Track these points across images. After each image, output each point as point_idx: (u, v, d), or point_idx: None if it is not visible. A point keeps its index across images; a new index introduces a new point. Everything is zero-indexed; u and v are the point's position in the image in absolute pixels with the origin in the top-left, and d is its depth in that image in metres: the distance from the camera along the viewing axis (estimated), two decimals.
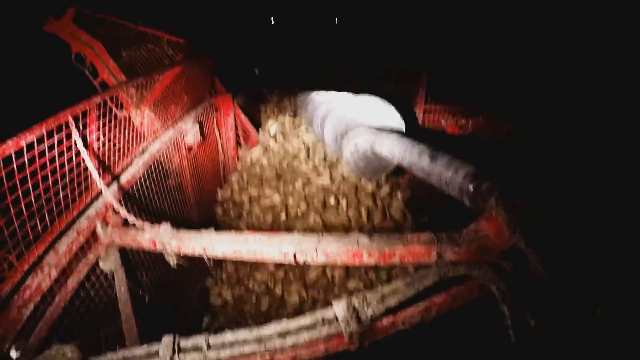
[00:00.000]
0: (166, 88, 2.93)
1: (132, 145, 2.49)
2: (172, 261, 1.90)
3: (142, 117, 2.63)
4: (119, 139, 2.28)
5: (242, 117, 4.74)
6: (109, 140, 2.16)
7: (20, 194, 1.50)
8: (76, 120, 1.81)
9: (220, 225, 3.74)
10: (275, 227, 3.20)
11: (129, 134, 2.40)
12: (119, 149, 2.31)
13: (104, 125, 2.08)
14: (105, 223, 2.05)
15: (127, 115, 2.43)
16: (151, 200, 2.71)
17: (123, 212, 1.94)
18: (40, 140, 1.57)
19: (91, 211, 1.97)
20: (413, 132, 3.43)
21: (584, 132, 4.15)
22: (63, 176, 1.75)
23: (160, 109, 2.94)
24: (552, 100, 4.90)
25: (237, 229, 3.35)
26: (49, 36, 3.38)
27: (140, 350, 1.31)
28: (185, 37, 3.85)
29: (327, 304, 2.09)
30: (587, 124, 4.27)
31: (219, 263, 3.36)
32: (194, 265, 3.31)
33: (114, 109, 2.10)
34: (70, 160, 1.79)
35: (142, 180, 2.58)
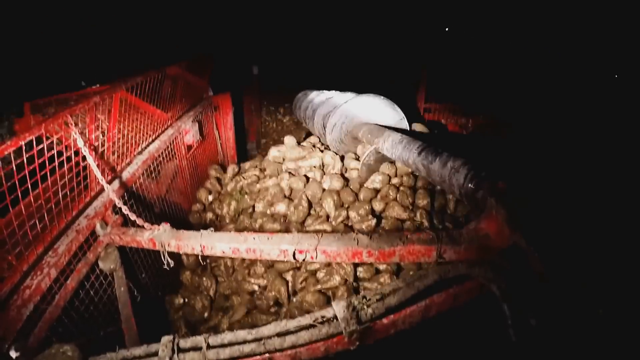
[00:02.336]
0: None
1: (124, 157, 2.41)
2: (169, 262, 1.90)
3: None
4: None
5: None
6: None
7: (20, 193, 1.49)
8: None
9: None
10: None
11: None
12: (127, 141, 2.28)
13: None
14: (104, 222, 2.05)
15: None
16: (150, 200, 2.71)
17: (124, 208, 1.94)
18: (39, 140, 1.56)
19: (90, 211, 1.97)
20: (416, 131, 3.43)
21: (584, 131, 4.14)
22: (62, 176, 1.75)
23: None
24: (553, 100, 4.89)
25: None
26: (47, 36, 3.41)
27: (140, 350, 1.31)
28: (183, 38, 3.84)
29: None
30: (587, 123, 4.27)
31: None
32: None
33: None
34: (69, 160, 1.79)
35: (142, 179, 2.58)
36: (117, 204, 1.94)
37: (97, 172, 1.88)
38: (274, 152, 3.45)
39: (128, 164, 2.42)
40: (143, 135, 2.65)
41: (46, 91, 3.80)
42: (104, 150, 2.16)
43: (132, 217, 1.93)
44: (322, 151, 3.40)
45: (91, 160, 1.85)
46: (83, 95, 3.83)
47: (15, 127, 3.66)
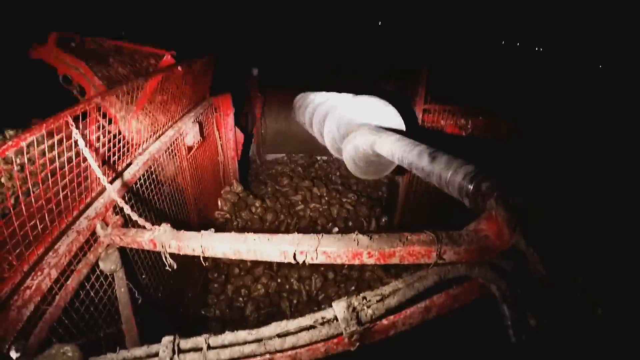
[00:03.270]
0: (153, 96, 2.87)
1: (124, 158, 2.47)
2: (171, 263, 1.89)
3: (130, 127, 2.58)
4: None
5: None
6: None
7: (20, 194, 1.50)
8: (76, 120, 1.81)
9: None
10: None
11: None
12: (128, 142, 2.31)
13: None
14: (105, 223, 2.05)
15: (117, 128, 2.40)
16: (151, 201, 2.71)
17: (127, 208, 1.94)
18: (40, 140, 1.57)
19: (91, 211, 1.97)
20: (413, 132, 3.44)
21: (584, 132, 4.15)
22: (63, 176, 1.75)
23: (149, 117, 2.88)
24: (552, 100, 4.90)
25: None
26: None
27: (140, 350, 1.31)
28: (180, 40, 3.84)
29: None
30: (587, 124, 4.27)
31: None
32: (194, 265, 3.31)
33: (102, 123, 2.07)
34: (69, 160, 1.79)
35: (142, 180, 2.58)
36: (119, 203, 1.94)
37: (99, 173, 1.88)
38: None
39: (129, 165, 2.43)
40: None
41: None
42: (105, 151, 2.16)
43: (134, 217, 1.93)
44: None
45: (92, 162, 1.86)
46: (118, 49, 3.68)
47: (34, 53, 3.29)
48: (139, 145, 2.65)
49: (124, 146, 2.36)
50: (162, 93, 2.97)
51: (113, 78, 3.48)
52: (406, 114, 3.34)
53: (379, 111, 3.24)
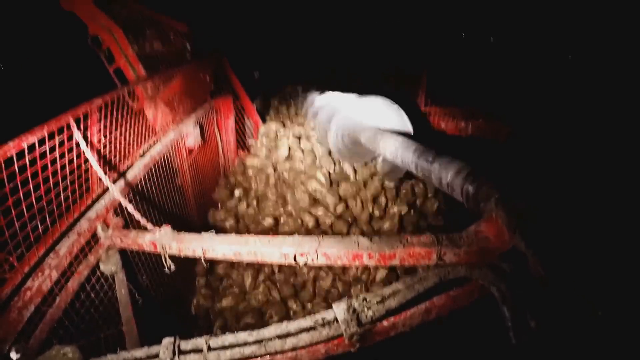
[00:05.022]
0: (181, 86, 2.86)
1: (143, 139, 2.49)
2: (170, 265, 1.89)
3: (156, 111, 2.57)
4: (130, 132, 2.28)
5: (261, 124, 4.69)
6: (120, 135, 2.20)
7: (22, 195, 1.50)
8: (78, 121, 1.82)
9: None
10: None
11: (141, 127, 2.40)
12: (129, 144, 2.34)
13: (116, 120, 2.10)
14: (105, 225, 2.05)
15: (140, 108, 2.39)
16: (152, 203, 2.72)
17: (130, 207, 1.94)
18: (41, 142, 1.58)
19: (92, 213, 1.98)
20: (418, 133, 3.44)
21: (583, 133, 4.15)
22: (64, 178, 1.76)
23: (173, 105, 2.89)
24: (552, 102, 4.91)
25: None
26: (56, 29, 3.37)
27: (141, 352, 1.31)
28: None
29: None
30: (587, 125, 4.28)
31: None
32: (195, 267, 3.31)
33: (127, 100, 2.07)
34: (71, 162, 1.80)
35: (143, 182, 2.58)
36: (122, 203, 1.95)
37: (101, 173, 1.89)
38: None
39: (130, 167, 2.44)
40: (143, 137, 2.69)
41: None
42: (107, 153, 2.17)
43: (137, 216, 1.94)
44: None
45: (94, 163, 1.86)
46: (154, 20, 3.44)
47: (67, 3, 2.92)
48: (164, 128, 2.64)
49: (124, 148, 2.37)
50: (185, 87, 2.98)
51: (147, 53, 3.27)
52: (410, 115, 3.33)
53: (385, 112, 3.24)
